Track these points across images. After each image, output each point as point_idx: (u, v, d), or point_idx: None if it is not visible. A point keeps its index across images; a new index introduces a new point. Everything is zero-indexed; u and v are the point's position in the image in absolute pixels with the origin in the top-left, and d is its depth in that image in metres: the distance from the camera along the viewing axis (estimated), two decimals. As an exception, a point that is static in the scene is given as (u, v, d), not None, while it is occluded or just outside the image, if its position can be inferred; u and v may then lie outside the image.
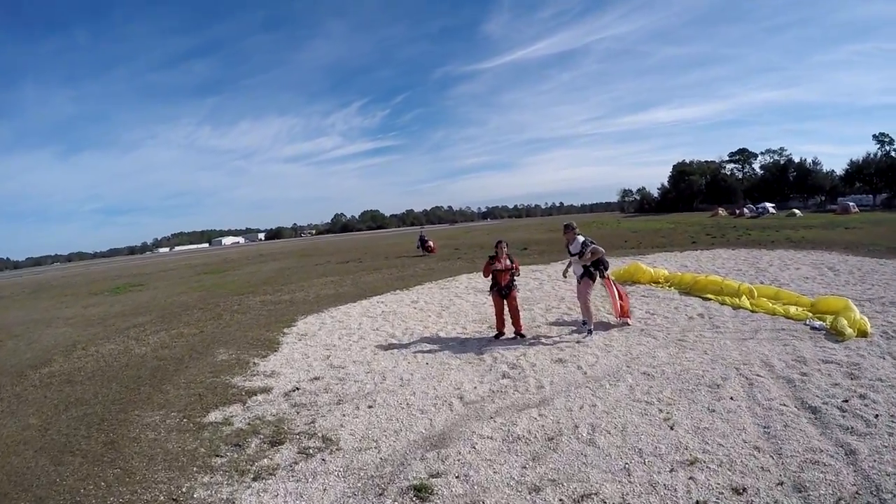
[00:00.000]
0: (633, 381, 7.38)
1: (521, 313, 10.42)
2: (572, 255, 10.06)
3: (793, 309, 10.51)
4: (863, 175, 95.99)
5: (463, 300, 14.73)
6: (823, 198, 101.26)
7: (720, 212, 72.34)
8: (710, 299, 12.24)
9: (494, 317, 10.57)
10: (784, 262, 18.08)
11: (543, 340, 9.87)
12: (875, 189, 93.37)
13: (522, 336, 10.18)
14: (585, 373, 7.91)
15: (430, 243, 34.91)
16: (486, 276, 10.33)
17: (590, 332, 9.91)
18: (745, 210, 69.84)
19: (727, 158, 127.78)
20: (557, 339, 9.93)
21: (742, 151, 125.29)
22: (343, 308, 14.91)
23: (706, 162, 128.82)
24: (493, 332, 10.60)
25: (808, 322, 9.70)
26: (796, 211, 65.09)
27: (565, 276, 10.94)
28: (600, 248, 9.83)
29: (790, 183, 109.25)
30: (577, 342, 9.53)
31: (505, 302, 10.25)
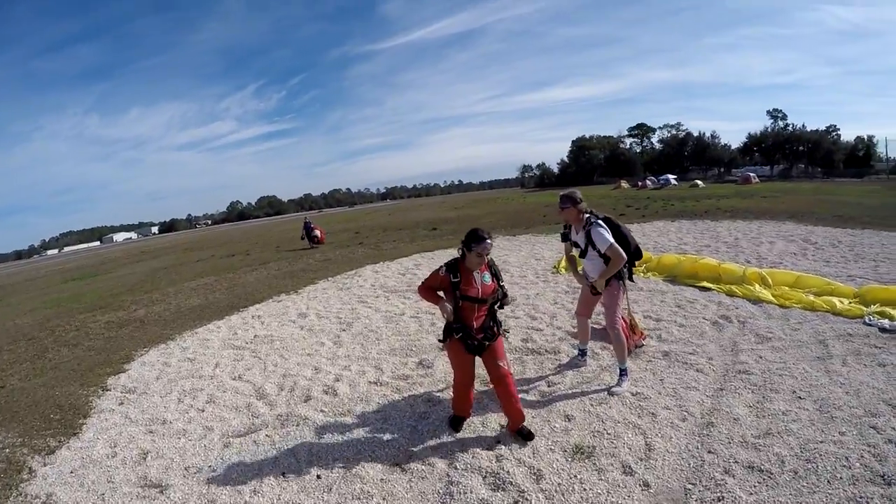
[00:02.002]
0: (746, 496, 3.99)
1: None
2: (582, 248, 6.09)
3: (838, 302, 7.99)
4: (761, 147, 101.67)
5: (370, 308, 11.01)
6: (722, 169, 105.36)
7: (623, 184, 73.01)
8: (709, 289, 9.69)
9: (454, 389, 5.47)
10: (747, 234, 16.20)
11: (535, 394, 6.09)
12: (772, 161, 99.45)
13: (526, 436, 5.11)
14: (645, 483, 4.30)
15: (318, 232, 28.57)
16: (428, 299, 5.11)
17: (623, 374, 6.04)
18: (648, 182, 71.46)
19: (626, 133, 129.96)
20: (558, 390, 6.12)
21: (641, 126, 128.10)
22: (203, 331, 11.04)
23: (605, 137, 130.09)
24: (438, 388, 6.50)
25: (869, 320, 7.32)
26: (698, 182, 67.02)
27: (582, 281, 6.45)
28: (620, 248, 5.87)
29: (689, 155, 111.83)
30: (600, 402, 5.69)
31: (483, 363, 5.17)
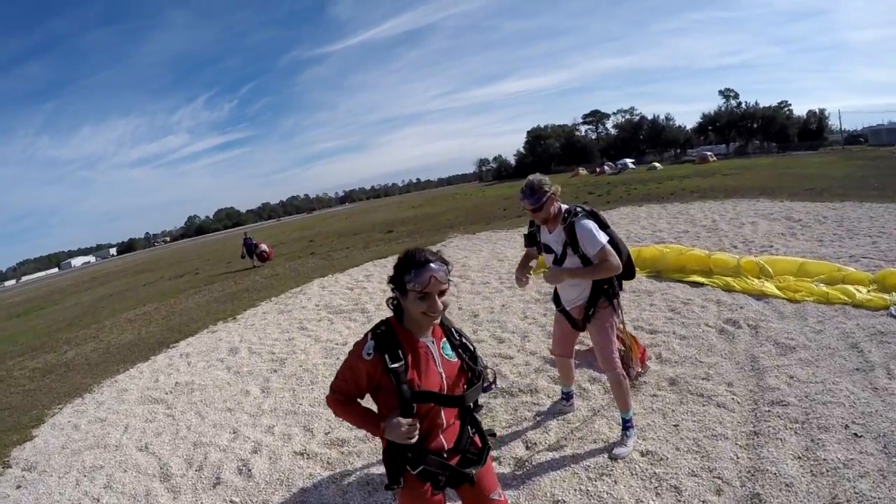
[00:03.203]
0: None
1: None
2: (558, 254, 4.32)
3: (856, 292, 6.90)
4: (715, 126, 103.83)
5: (310, 337, 9.59)
6: (678, 150, 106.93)
7: (580, 171, 73.24)
8: (701, 283, 8.46)
9: None
10: (724, 216, 15.09)
11: (509, 463, 4.51)
12: (728, 139, 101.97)
13: None
14: None
15: (264, 247, 24.42)
16: (350, 420, 2.65)
17: (628, 427, 4.45)
18: (606, 168, 72.29)
19: (581, 121, 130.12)
20: (539, 454, 4.55)
21: (595, 113, 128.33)
22: (124, 378, 9.71)
23: (560, 126, 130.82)
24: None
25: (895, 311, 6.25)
26: (656, 164, 68.61)
27: (522, 284, 4.50)
28: (614, 254, 4.14)
29: (644, 139, 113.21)
30: (601, 474, 4.15)
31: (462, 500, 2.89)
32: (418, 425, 2.43)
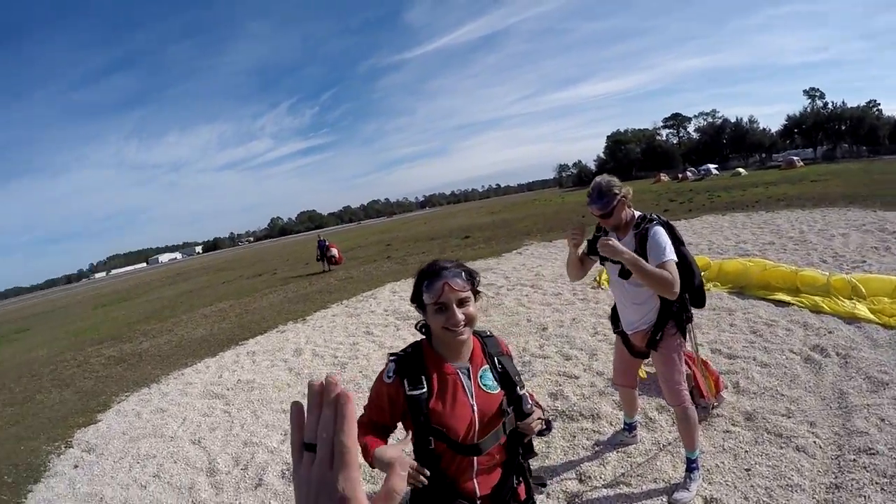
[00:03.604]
0: None
1: None
2: (626, 264, 3.52)
3: None
4: (801, 129, 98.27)
5: (374, 343, 9.43)
6: (763, 155, 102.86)
7: (662, 177, 70.90)
8: (787, 303, 7.61)
9: None
10: (813, 227, 13.89)
11: (559, 497, 4.13)
12: (814, 142, 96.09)
13: None
14: None
15: (334, 251, 24.17)
16: (367, 458, 1.97)
17: (693, 468, 3.92)
18: (688, 173, 69.80)
19: (661, 124, 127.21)
20: (593, 490, 4.12)
21: (676, 116, 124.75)
22: (191, 372, 9.96)
23: (641, 130, 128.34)
24: None
25: None
26: (740, 170, 65.54)
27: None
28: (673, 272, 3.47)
29: (727, 143, 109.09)
30: None
31: None
32: (417, 471, 2.00)
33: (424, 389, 2.11)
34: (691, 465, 3.92)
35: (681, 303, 3.77)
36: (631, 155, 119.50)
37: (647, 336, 3.85)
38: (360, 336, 10.02)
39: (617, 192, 3.63)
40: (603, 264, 3.93)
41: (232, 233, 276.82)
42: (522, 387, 2.27)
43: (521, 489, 2.31)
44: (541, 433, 2.29)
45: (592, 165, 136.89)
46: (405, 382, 2.12)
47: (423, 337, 2.30)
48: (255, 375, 8.82)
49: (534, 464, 4.46)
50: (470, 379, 2.19)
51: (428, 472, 2.00)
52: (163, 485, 5.60)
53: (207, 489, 5.33)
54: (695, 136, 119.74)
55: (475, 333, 2.31)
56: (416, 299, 2.23)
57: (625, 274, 3.71)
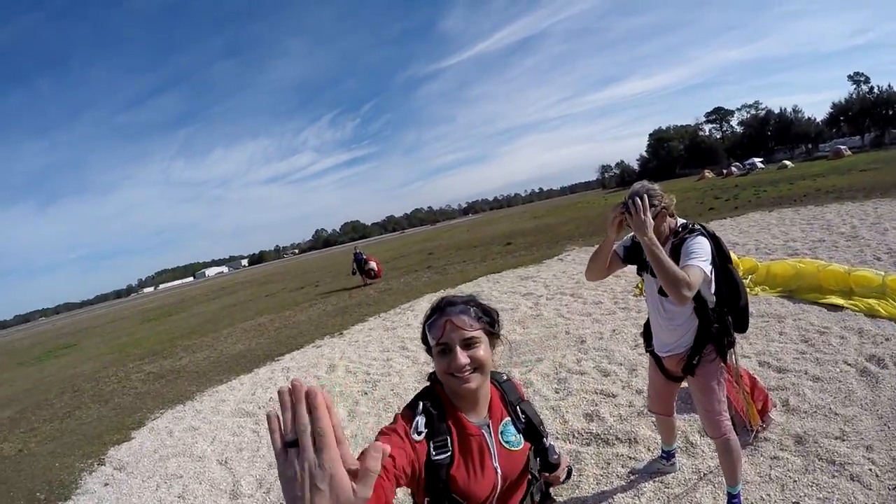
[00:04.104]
0: None
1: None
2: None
3: None
4: (848, 116, 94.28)
5: (408, 358, 9.19)
6: (810, 146, 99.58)
7: (707, 174, 69.38)
8: (840, 307, 7.00)
9: None
10: (865, 221, 13.11)
11: None
12: (861, 129, 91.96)
13: None
14: None
15: (373, 264, 23.04)
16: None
17: (734, 502, 3.55)
18: (734, 169, 67.53)
19: (704, 119, 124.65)
20: None
21: (718, 110, 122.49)
22: (225, 389, 9.98)
23: (683, 126, 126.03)
24: None
25: None
26: (787, 162, 63.45)
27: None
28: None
29: (772, 135, 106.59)
30: None
31: None
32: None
33: (449, 453, 1.74)
34: (732, 501, 3.54)
35: (722, 324, 3.31)
36: (674, 152, 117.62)
37: (683, 361, 3.44)
38: (395, 351, 9.84)
39: (656, 202, 3.18)
40: (641, 275, 3.61)
41: (277, 245, 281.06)
42: (547, 435, 2.01)
43: None
44: (562, 481, 2.11)
45: (635, 165, 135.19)
46: (430, 444, 1.74)
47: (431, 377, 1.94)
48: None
49: (563, 494, 4.20)
50: (491, 437, 1.85)
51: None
52: None
53: None
54: (738, 129, 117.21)
55: (491, 378, 1.96)
56: (424, 340, 1.88)
57: (663, 291, 3.25)
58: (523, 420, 1.94)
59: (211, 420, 8.24)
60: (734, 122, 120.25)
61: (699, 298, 3.18)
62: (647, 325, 3.74)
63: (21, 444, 9.52)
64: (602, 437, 4.99)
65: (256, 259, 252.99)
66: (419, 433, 1.72)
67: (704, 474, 4.10)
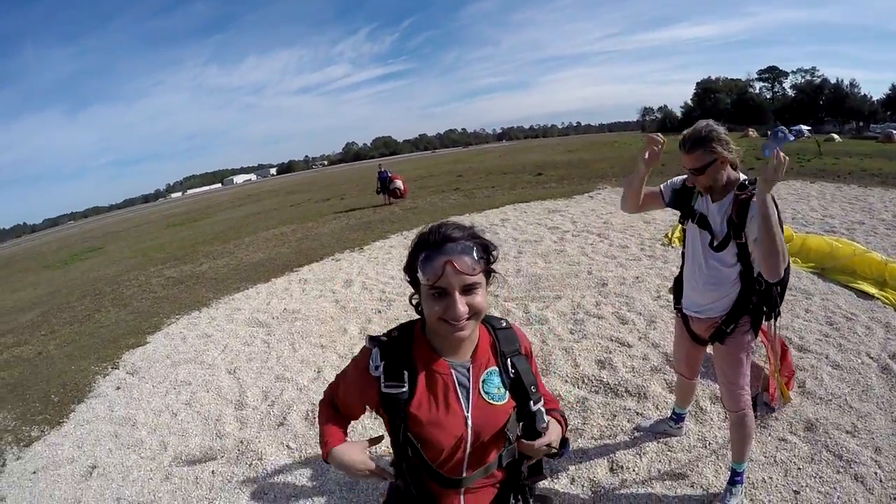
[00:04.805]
0: None
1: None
2: (718, 236, 3.02)
3: None
4: None
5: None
6: (861, 123, 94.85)
7: (751, 132, 67.10)
8: (871, 295, 6.57)
9: None
10: None
11: (584, 485, 3.76)
12: None
13: None
14: None
15: (399, 183, 22.06)
16: (324, 444, 1.77)
17: (736, 481, 3.39)
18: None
19: (756, 76, 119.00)
20: (625, 484, 3.74)
21: (772, 69, 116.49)
22: (241, 297, 10.07)
23: (733, 80, 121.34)
24: None
25: None
26: (835, 136, 59.78)
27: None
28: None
29: (823, 105, 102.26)
30: None
31: None
32: (377, 472, 1.73)
33: (405, 389, 1.64)
34: (735, 479, 3.39)
35: (764, 295, 3.07)
36: (720, 105, 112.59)
37: (714, 327, 3.20)
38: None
39: (720, 146, 2.87)
40: (683, 223, 3.28)
41: (307, 156, 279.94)
42: (538, 400, 1.78)
43: None
44: (552, 456, 1.84)
45: (678, 112, 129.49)
46: (381, 376, 1.67)
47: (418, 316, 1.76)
48: (301, 305, 8.80)
49: (570, 428, 4.15)
50: (469, 382, 1.70)
51: (392, 472, 1.74)
52: (192, 413, 5.70)
53: (232, 423, 5.36)
54: (790, 93, 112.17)
55: (487, 322, 1.80)
56: (410, 272, 1.66)
57: (715, 246, 3.01)
58: (512, 374, 1.76)
59: (224, 328, 8.33)
60: (787, 84, 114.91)
61: (747, 263, 2.97)
62: (678, 281, 3.50)
63: (41, 346, 9.72)
64: (612, 387, 4.90)
65: (285, 168, 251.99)
66: (376, 367, 1.67)
67: (709, 443, 3.99)
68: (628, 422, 4.35)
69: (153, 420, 5.75)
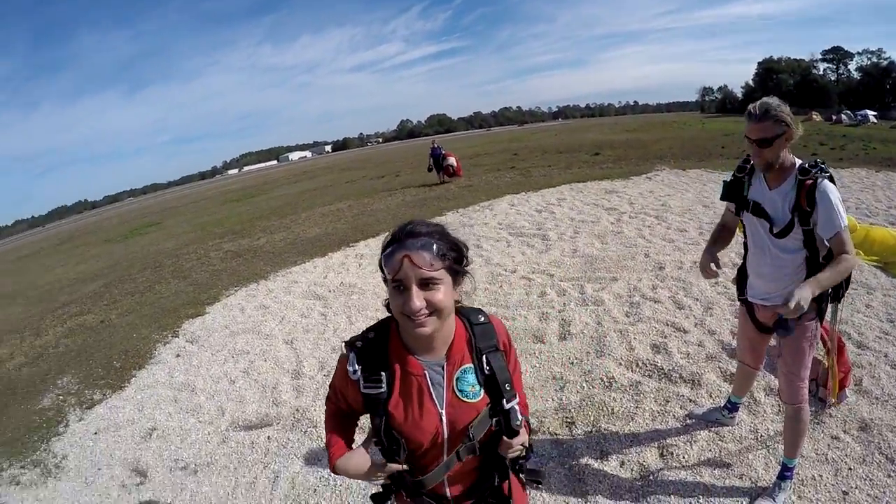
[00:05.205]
0: None
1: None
2: (777, 224, 2.93)
3: None
4: None
5: (482, 258, 9.04)
6: None
7: (814, 116, 65.07)
8: None
9: None
10: None
11: (632, 468, 3.76)
12: None
13: None
14: None
15: (452, 161, 20.88)
16: (331, 452, 1.84)
17: (786, 476, 3.32)
18: (843, 116, 62.27)
19: (819, 57, 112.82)
20: (671, 471, 3.69)
21: (836, 50, 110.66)
22: (298, 271, 10.26)
23: (796, 60, 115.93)
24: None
25: None
26: None
27: (710, 275, 3.18)
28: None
29: (891, 89, 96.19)
30: None
31: None
32: (391, 466, 1.79)
33: (383, 389, 1.71)
34: (785, 473, 3.32)
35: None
36: (782, 86, 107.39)
37: (778, 314, 3.01)
38: (470, 249, 9.59)
39: (787, 120, 2.77)
40: (739, 214, 3.20)
41: (361, 133, 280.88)
42: (513, 398, 1.80)
43: (506, 487, 1.94)
44: (516, 460, 1.91)
45: (739, 92, 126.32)
46: (360, 379, 1.73)
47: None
48: (357, 279, 8.91)
49: (616, 424, 4.11)
50: (443, 381, 1.74)
51: (399, 467, 1.78)
52: (250, 381, 5.92)
53: (289, 391, 5.54)
54: (855, 75, 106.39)
55: (464, 317, 1.82)
56: (380, 268, 1.66)
57: (776, 233, 2.93)
58: (487, 371, 1.78)
59: (282, 300, 8.51)
60: (852, 66, 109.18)
61: (814, 249, 2.88)
62: (741, 270, 3.39)
63: (103, 315, 10.13)
64: (666, 372, 4.82)
65: (340, 145, 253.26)
66: (354, 371, 1.71)
67: (760, 435, 3.88)
68: (681, 408, 4.29)
69: (211, 386, 5.99)
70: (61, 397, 6.70)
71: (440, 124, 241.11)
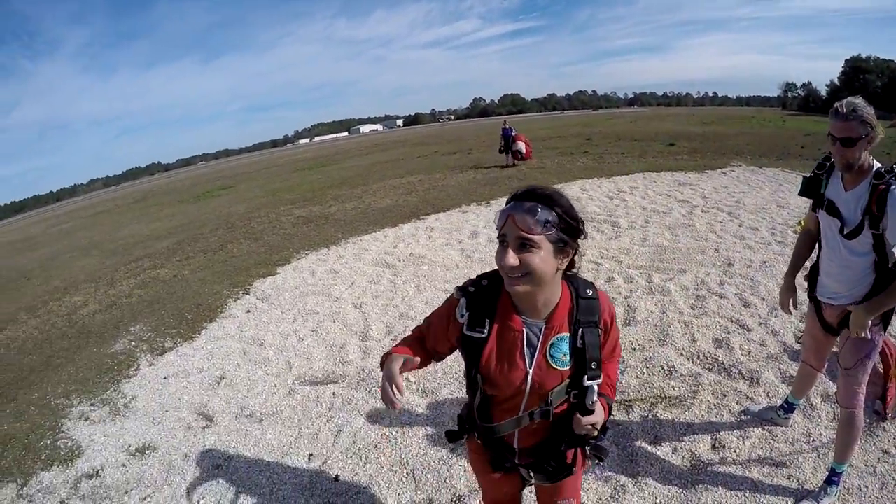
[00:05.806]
0: None
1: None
2: (849, 225, 2.89)
3: None
4: None
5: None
6: None
7: None
8: None
9: None
10: None
11: (682, 457, 3.77)
12: None
13: None
14: None
15: (521, 145, 20.08)
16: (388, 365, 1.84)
17: (833, 482, 3.27)
18: None
19: None
20: (723, 466, 3.67)
21: None
22: (369, 239, 10.47)
23: (886, 60, 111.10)
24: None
25: None
26: None
27: (790, 306, 3.51)
28: None
29: None
30: None
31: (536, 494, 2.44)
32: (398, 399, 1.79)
33: (484, 335, 1.79)
34: (832, 479, 3.29)
35: None
36: (870, 87, 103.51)
37: (845, 314, 3.09)
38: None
39: (871, 121, 2.74)
40: (816, 211, 3.16)
41: (433, 109, 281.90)
42: (596, 377, 1.83)
43: (570, 455, 2.02)
44: (587, 441, 1.96)
45: (823, 91, 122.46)
46: (465, 323, 1.83)
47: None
48: (427, 251, 9.00)
49: (672, 411, 4.15)
50: (538, 343, 1.79)
51: (401, 404, 1.82)
52: (318, 340, 6.12)
53: (356, 352, 5.70)
54: None
55: (574, 288, 1.85)
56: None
57: (847, 234, 2.90)
58: (580, 345, 1.81)
59: (352, 266, 8.70)
60: None
61: (883, 254, 2.85)
62: (813, 269, 3.36)
63: (176, 270, 10.57)
64: (726, 367, 4.78)
65: (412, 120, 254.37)
66: (461, 315, 1.83)
67: (812, 440, 3.81)
68: (737, 404, 4.27)
69: (280, 342, 6.24)
70: (133, 343, 7.03)
71: (513, 104, 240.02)
